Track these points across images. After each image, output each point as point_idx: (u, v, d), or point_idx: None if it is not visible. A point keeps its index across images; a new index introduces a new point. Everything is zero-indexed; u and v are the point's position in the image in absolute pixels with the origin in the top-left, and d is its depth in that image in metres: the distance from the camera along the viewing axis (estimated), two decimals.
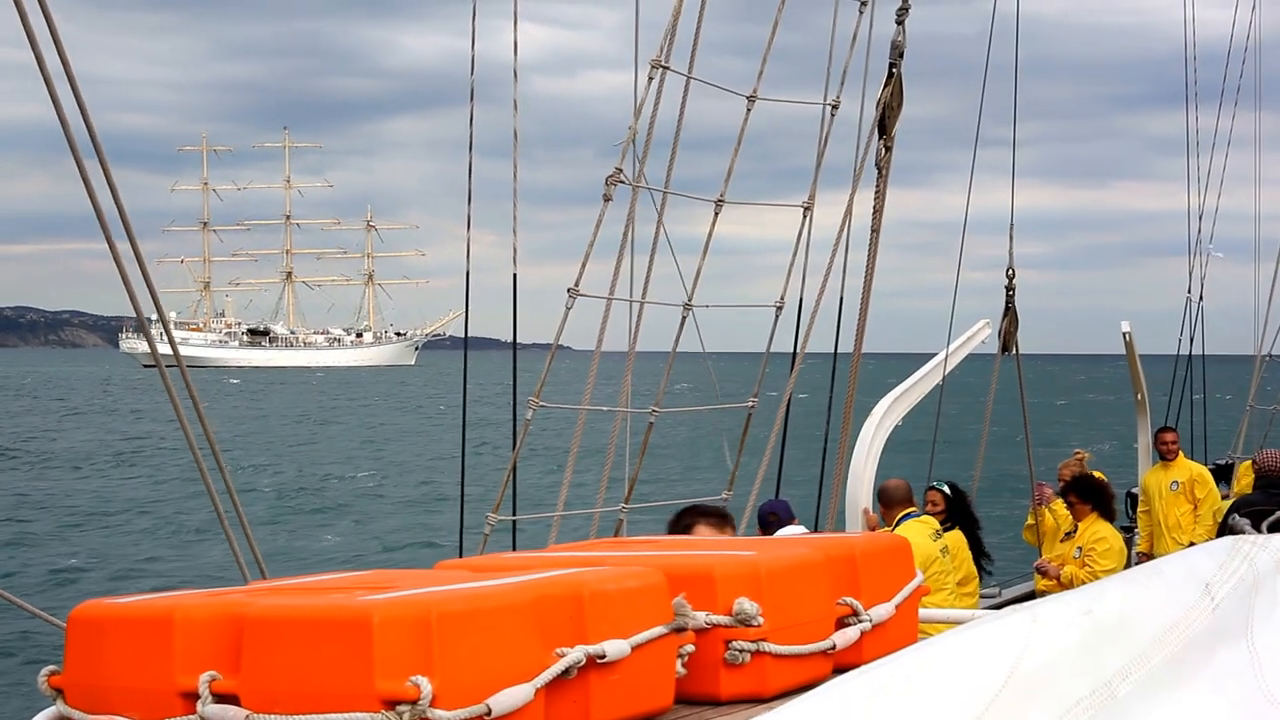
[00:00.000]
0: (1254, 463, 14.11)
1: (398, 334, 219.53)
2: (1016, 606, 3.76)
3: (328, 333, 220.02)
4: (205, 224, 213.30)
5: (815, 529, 11.69)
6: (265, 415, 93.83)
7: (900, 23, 11.67)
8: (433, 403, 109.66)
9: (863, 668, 3.36)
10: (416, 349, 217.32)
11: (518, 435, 10.05)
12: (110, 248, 6.32)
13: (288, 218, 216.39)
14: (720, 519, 7.85)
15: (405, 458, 61.13)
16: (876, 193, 11.72)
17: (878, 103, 11.60)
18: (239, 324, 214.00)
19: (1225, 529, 12.40)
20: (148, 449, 63.43)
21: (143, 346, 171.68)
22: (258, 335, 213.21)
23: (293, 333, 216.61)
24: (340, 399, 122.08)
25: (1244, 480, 16.83)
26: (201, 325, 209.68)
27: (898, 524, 11.27)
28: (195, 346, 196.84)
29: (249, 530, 7.01)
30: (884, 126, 11.65)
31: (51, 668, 4.80)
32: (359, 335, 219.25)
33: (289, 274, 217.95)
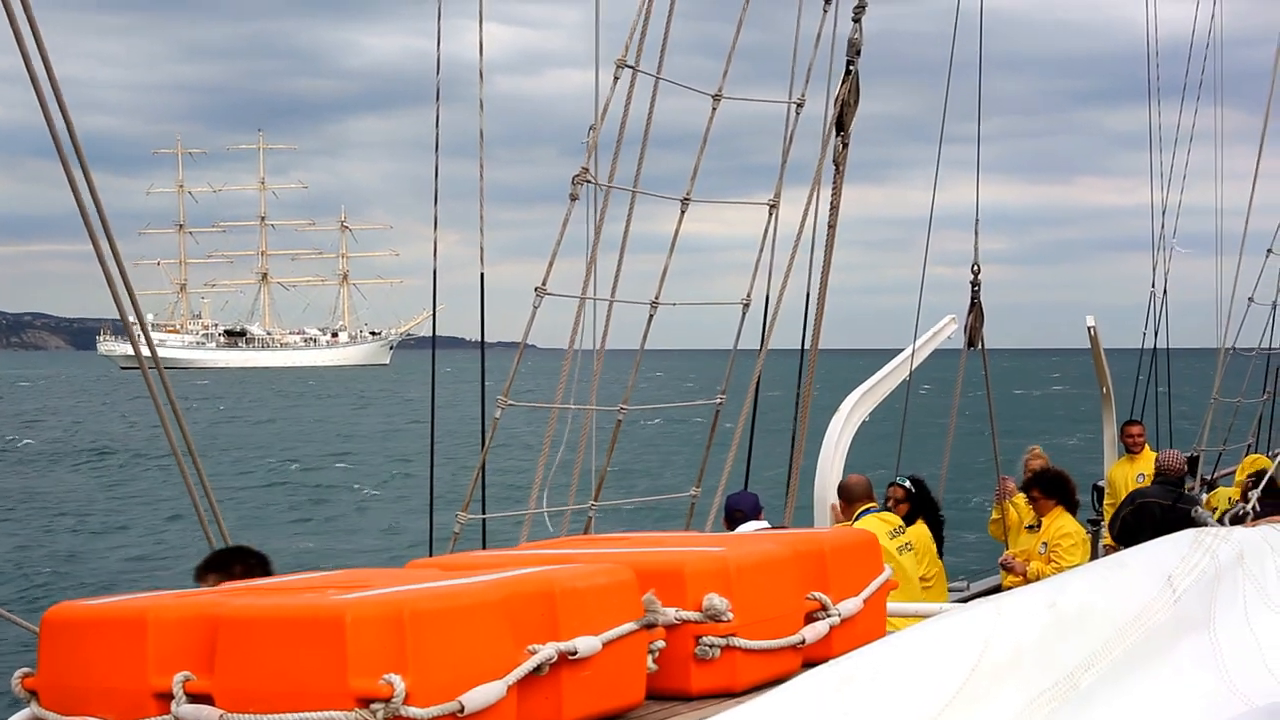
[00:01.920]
0: (1156, 461, 14.48)
1: (373, 334, 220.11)
2: (981, 600, 3.81)
3: (304, 333, 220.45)
4: (181, 226, 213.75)
5: (785, 524, 11.74)
6: (235, 417, 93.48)
7: (857, 20, 11.72)
8: (407, 402, 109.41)
9: (830, 661, 3.40)
10: (391, 348, 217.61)
11: (486, 434, 10.07)
12: (100, 248, 6.35)
13: (262, 219, 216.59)
14: (220, 571, 6.43)
15: (375, 458, 60.98)
16: (834, 189, 11.77)
17: (835, 100, 11.66)
18: (215, 325, 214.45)
19: (1149, 521, 12.67)
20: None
21: (121, 349, 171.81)
22: (234, 336, 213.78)
23: (269, 333, 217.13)
24: (313, 398, 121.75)
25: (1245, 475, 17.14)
26: (179, 327, 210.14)
27: (857, 519, 11.29)
28: (173, 348, 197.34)
29: (225, 530, 7.02)
30: (841, 124, 11.72)
31: (25, 670, 4.81)
32: (334, 335, 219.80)
33: (264, 275, 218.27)
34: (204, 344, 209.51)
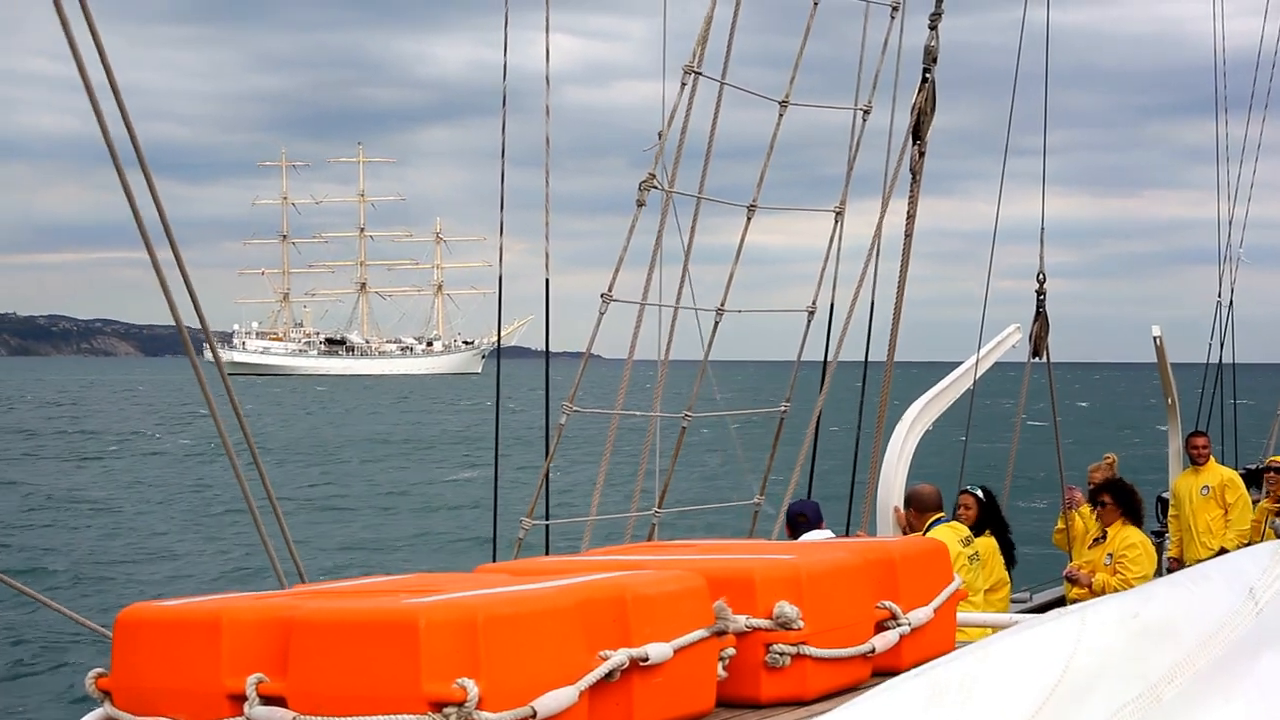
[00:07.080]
0: None
1: (466, 343, 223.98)
2: (1065, 609, 3.77)
3: (400, 341, 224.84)
4: (284, 236, 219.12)
5: (847, 534, 11.69)
6: (328, 423, 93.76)
7: (933, 28, 11.67)
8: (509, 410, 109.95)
9: (915, 670, 3.37)
10: (483, 357, 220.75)
11: (551, 440, 10.07)
12: (157, 256, 6.35)
13: (361, 230, 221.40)
14: None
15: (444, 463, 61.11)
16: (910, 198, 11.72)
17: (912, 108, 11.60)
18: (317, 333, 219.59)
19: None
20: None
21: (229, 355, 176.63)
22: (335, 344, 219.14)
23: (367, 342, 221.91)
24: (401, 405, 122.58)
25: None
26: (282, 334, 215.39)
27: (928, 529, 11.23)
28: (277, 355, 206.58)
29: (288, 535, 7.04)
30: (918, 132, 11.65)
31: (99, 670, 4.84)
32: (429, 344, 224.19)
33: (363, 285, 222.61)
34: (306, 351, 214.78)
